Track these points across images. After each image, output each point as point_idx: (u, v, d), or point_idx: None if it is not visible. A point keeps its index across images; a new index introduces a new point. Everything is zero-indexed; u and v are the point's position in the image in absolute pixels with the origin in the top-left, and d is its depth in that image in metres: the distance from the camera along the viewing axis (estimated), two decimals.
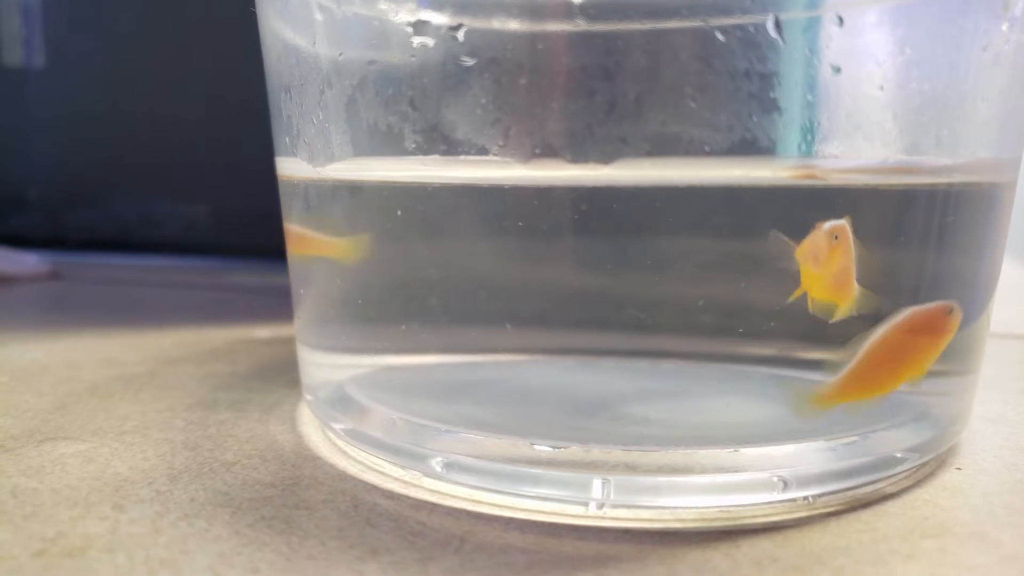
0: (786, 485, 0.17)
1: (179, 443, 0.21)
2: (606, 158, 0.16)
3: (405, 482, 0.18)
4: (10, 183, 0.59)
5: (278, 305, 0.40)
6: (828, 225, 0.16)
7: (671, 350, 0.19)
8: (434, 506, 0.17)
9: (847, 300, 0.17)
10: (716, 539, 0.16)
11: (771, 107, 0.16)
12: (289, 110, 0.20)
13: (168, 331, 0.34)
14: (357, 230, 0.20)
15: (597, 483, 0.17)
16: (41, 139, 0.58)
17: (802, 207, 0.17)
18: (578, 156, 0.16)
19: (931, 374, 0.19)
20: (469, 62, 0.16)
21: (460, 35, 0.16)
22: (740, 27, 0.15)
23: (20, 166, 0.59)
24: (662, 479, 0.17)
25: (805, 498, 0.17)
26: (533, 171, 0.17)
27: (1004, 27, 0.17)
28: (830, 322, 0.17)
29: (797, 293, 0.17)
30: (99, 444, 0.21)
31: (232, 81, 0.52)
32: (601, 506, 0.17)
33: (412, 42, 0.17)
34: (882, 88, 0.17)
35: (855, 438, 0.18)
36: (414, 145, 0.17)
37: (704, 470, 0.17)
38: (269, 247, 0.39)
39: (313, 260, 0.21)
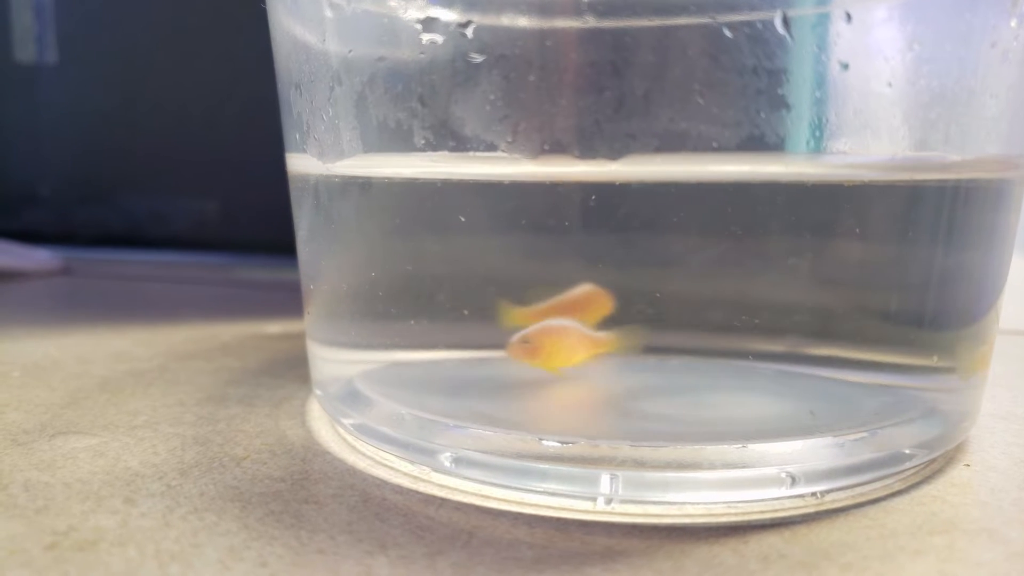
0: (794, 481, 0.17)
1: (189, 438, 0.21)
2: (614, 154, 0.16)
3: (414, 477, 0.18)
4: (22, 179, 0.60)
5: (288, 301, 0.40)
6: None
7: (679, 346, 0.19)
8: (443, 501, 0.17)
9: None
10: (724, 535, 0.16)
11: (779, 103, 0.16)
12: (299, 107, 0.20)
13: (178, 326, 0.34)
14: (367, 227, 0.20)
15: (605, 478, 0.17)
16: (52, 136, 0.59)
17: (811, 203, 0.17)
18: (587, 152, 0.16)
19: (940, 370, 0.19)
20: (478, 59, 0.17)
21: (469, 32, 0.17)
22: (748, 24, 0.15)
23: (31, 162, 0.59)
24: (670, 475, 0.17)
25: (813, 494, 0.17)
26: (542, 167, 0.17)
27: (1013, 23, 0.17)
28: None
29: None
30: (110, 438, 0.21)
31: (242, 78, 0.52)
32: (609, 501, 0.17)
33: (421, 39, 0.17)
34: (890, 85, 0.16)
35: (863, 434, 0.18)
36: (423, 142, 0.17)
37: (712, 466, 0.17)
38: (279, 243, 0.39)
39: (323, 255, 0.21)
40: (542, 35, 0.16)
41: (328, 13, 0.19)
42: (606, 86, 0.16)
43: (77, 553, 0.15)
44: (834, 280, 0.17)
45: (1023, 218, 0.21)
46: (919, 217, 0.18)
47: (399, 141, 0.18)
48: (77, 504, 0.17)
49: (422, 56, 0.17)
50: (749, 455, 0.17)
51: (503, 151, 0.17)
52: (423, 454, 0.18)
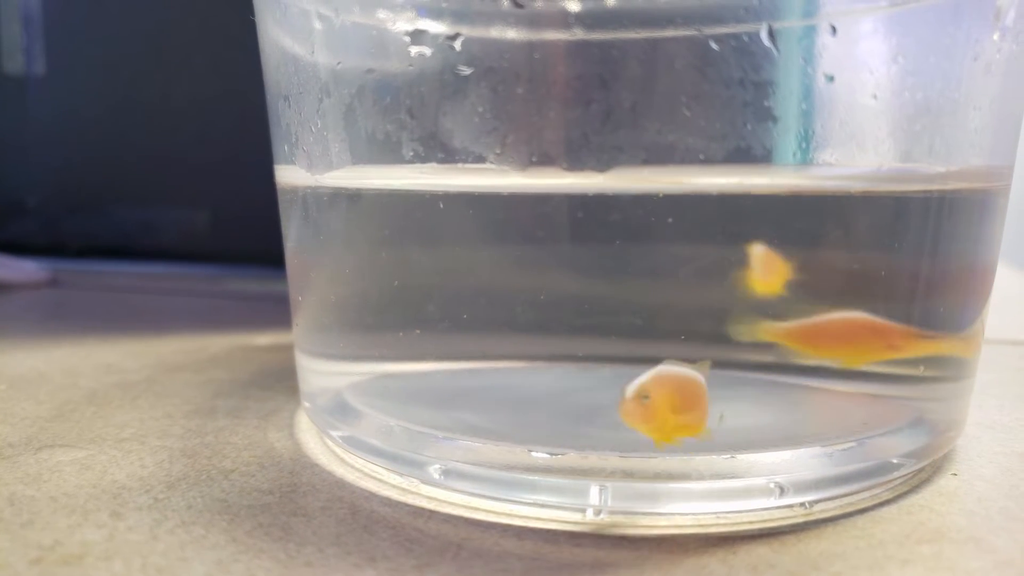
0: (783, 491, 0.17)
1: (177, 450, 0.21)
2: (602, 166, 0.16)
3: (403, 489, 0.18)
4: (9, 190, 0.60)
5: (277, 312, 0.40)
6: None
7: (668, 356, 0.19)
8: (431, 513, 0.17)
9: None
10: (713, 545, 0.16)
11: (765, 116, 0.16)
12: (288, 118, 0.20)
13: (167, 338, 0.34)
14: (356, 238, 0.20)
15: (594, 490, 0.17)
16: (41, 147, 0.59)
17: (797, 214, 0.17)
18: (574, 164, 0.16)
19: (927, 380, 0.19)
20: (466, 71, 0.17)
21: (457, 44, 0.17)
22: (734, 36, 0.16)
23: (20, 173, 0.59)
24: (659, 485, 0.17)
25: (802, 504, 0.17)
26: (530, 179, 0.17)
27: (995, 36, 0.17)
28: None
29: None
30: (97, 451, 0.21)
31: (231, 89, 0.52)
32: (598, 513, 0.17)
33: (410, 51, 0.17)
34: (875, 97, 0.17)
35: (852, 444, 0.18)
36: (412, 153, 0.17)
37: (701, 476, 0.17)
38: (268, 254, 0.39)
39: (312, 267, 0.21)
40: (530, 47, 0.16)
41: (317, 25, 0.19)
42: (594, 98, 0.16)
43: (63, 568, 0.15)
44: (821, 291, 0.17)
45: (1009, 228, 0.21)
46: (905, 228, 0.18)
47: (388, 153, 0.18)
48: (63, 518, 0.17)
49: (410, 68, 0.17)
50: (738, 465, 0.17)
51: (491, 163, 0.17)
52: (412, 466, 0.18)
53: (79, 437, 0.22)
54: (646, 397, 0.16)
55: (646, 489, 0.17)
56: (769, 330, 0.17)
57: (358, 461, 0.20)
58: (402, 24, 0.17)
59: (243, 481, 0.19)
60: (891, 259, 0.18)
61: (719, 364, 0.18)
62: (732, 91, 0.16)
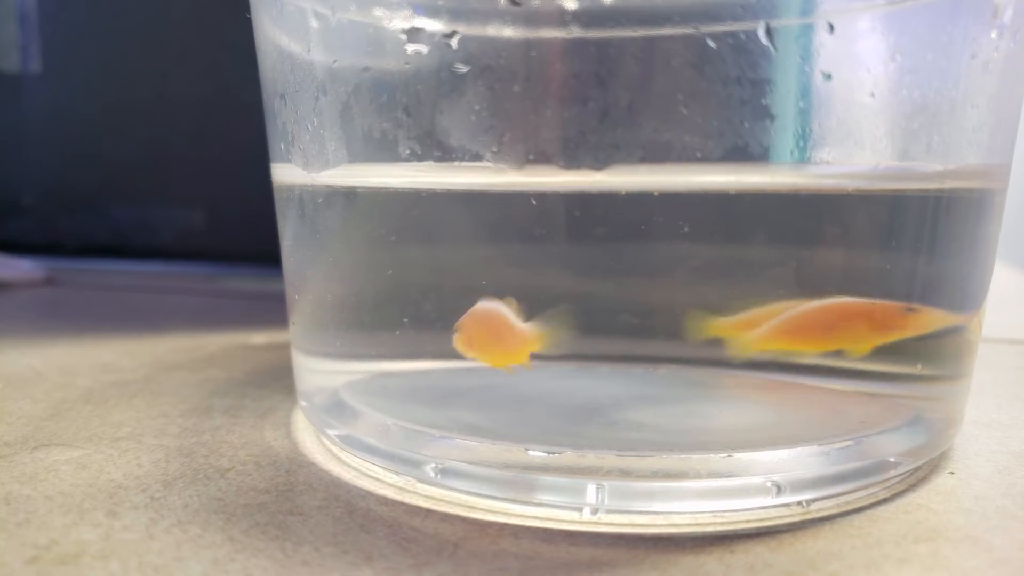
0: (780, 490, 0.17)
1: (173, 449, 0.21)
2: (599, 164, 0.16)
3: (399, 488, 0.18)
4: (6, 189, 0.59)
5: (274, 311, 0.40)
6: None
7: (665, 355, 0.19)
8: (428, 512, 0.17)
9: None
10: (710, 544, 0.16)
11: (763, 114, 0.16)
12: (284, 116, 0.20)
13: (163, 337, 0.34)
14: (352, 236, 0.20)
15: (591, 488, 0.17)
16: (37, 145, 0.58)
17: (795, 212, 0.17)
18: (571, 162, 0.16)
19: (924, 378, 0.19)
20: (463, 69, 0.17)
21: (454, 42, 0.17)
22: (731, 34, 0.16)
23: (16, 172, 0.59)
24: (656, 484, 0.17)
25: (799, 503, 0.17)
26: (527, 177, 0.17)
27: (993, 34, 0.17)
28: None
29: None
30: (93, 451, 0.21)
31: (228, 87, 0.52)
32: (595, 511, 0.17)
33: (406, 49, 0.17)
34: (873, 95, 0.17)
35: (849, 442, 0.18)
36: (408, 152, 0.17)
37: (698, 475, 0.17)
38: (265, 253, 0.39)
39: (309, 266, 0.21)
40: (527, 46, 0.16)
41: (313, 23, 0.19)
42: (591, 96, 0.16)
43: (59, 567, 0.15)
44: (818, 289, 0.17)
45: (1006, 228, 0.21)
46: (902, 226, 0.18)
47: (384, 151, 0.18)
48: (59, 517, 0.17)
49: (407, 66, 0.17)
50: (735, 464, 0.17)
51: (488, 161, 0.17)
52: (409, 465, 0.18)
53: (75, 436, 0.22)
54: (456, 331, 0.17)
55: (643, 488, 0.17)
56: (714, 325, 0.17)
57: (355, 460, 0.20)
58: (399, 22, 0.17)
59: (240, 480, 0.19)
60: (888, 258, 0.18)
61: (716, 363, 0.18)
62: (729, 89, 0.16)
